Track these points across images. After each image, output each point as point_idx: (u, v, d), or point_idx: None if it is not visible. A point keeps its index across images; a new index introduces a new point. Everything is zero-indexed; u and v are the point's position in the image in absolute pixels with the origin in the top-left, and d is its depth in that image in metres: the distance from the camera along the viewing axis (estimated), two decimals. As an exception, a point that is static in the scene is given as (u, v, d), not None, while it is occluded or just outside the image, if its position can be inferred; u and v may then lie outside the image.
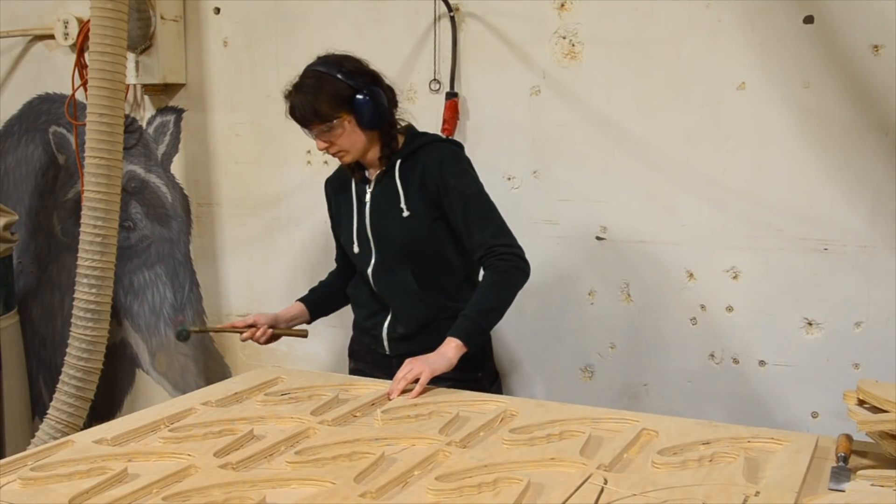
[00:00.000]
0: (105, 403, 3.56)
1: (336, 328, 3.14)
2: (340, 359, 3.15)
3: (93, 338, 2.98)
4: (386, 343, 2.29)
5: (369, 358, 2.37)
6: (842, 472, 1.55)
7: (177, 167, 3.45)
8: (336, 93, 2.13)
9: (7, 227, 3.41)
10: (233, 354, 3.42)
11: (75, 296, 2.98)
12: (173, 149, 3.44)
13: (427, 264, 2.23)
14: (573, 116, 2.72)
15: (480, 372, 2.26)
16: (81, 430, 2.90)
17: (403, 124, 2.29)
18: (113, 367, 3.52)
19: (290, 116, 2.17)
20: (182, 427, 1.79)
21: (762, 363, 2.57)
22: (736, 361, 2.60)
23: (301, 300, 2.49)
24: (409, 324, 2.25)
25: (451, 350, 2.05)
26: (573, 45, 2.70)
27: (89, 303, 2.96)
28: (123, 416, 1.93)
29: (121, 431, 1.77)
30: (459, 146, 2.34)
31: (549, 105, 2.75)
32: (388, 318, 2.29)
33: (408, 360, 2.05)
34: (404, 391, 2.00)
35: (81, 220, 2.96)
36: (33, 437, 3.09)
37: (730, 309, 2.60)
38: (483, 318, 2.11)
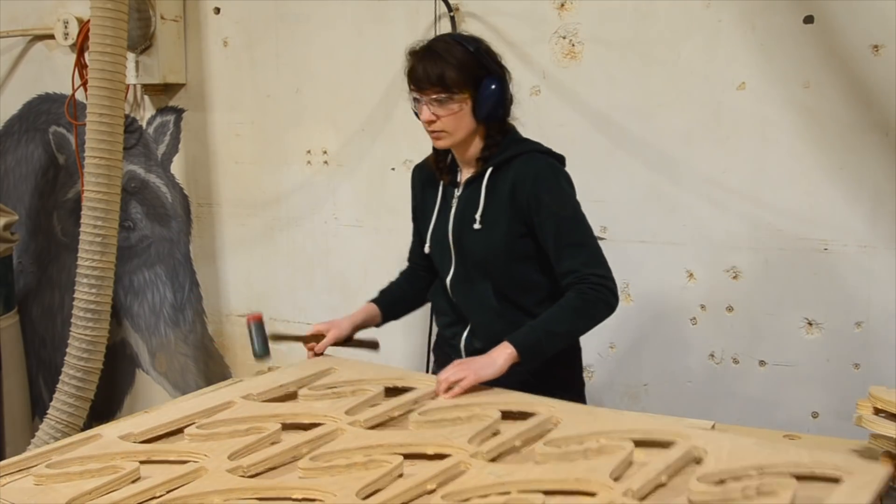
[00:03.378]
0: (105, 403, 3.56)
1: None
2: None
3: (93, 338, 2.98)
4: (464, 354, 2.15)
5: (447, 364, 2.20)
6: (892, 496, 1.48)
7: (177, 167, 3.45)
8: (468, 67, 1.99)
9: (7, 227, 3.41)
10: (233, 354, 3.42)
11: (75, 296, 2.98)
12: (173, 149, 3.44)
13: (508, 279, 2.08)
14: (573, 116, 2.72)
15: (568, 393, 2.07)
16: (81, 430, 2.91)
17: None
18: (113, 367, 3.52)
19: (407, 76, 2.02)
20: (211, 423, 1.74)
21: (762, 363, 2.57)
22: (736, 361, 2.60)
23: (375, 301, 2.31)
24: (487, 339, 2.06)
25: (502, 357, 1.91)
26: (573, 45, 2.70)
27: (89, 303, 2.96)
28: (160, 408, 1.89)
29: (151, 426, 1.74)
30: (561, 160, 2.14)
31: (549, 105, 2.75)
32: (467, 330, 2.16)
33: (456, 363, 1.94)
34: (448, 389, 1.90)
35: (81, 220, 2.96)
36: (33, 437, 3.09)
37: (730, 309, 2.60)
38: (550, 338, 1.95)
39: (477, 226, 2.06)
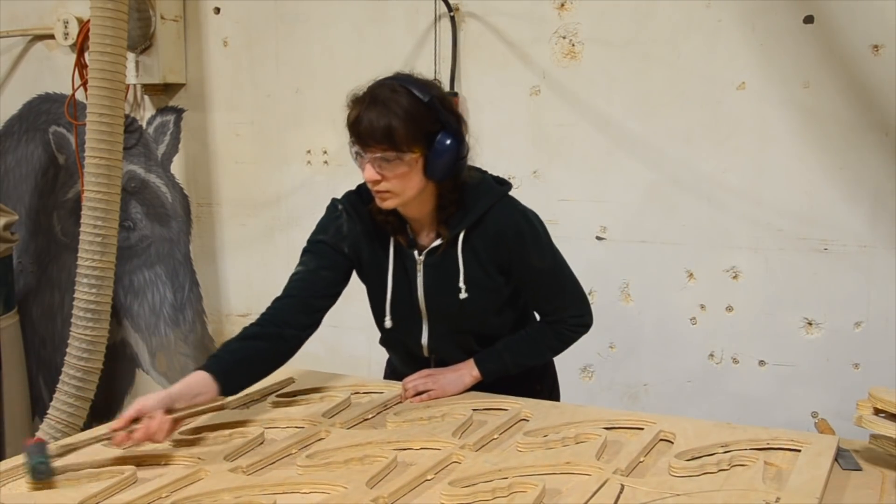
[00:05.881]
0: (105, 403, 3.56)
1: (336, 328, 3.13)
2: (340, 359, 3.15)
3: (93, 338, 2.98)
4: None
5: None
6: (847, 457, 1.59)
7: (177, 167, 3.45)
8: (420, 120, 1.73)
9: (7, 227, 3.41)
10: (233, 354, 3.42)
11: (75, 296, 2.98)
12: (173, 149, 3.44)
13: (488, 325, 1.98)
14: (573, 116, 2.72)
15: (540, 384, 2.10)
16: (82, 430, 2.91)
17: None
18: (113, 367, 3.52)
19: (348, 127, 1.77)
20: (192, 430, 1.75)
21: (762, 363, 2.57)
22: (736, 361, 2.60)
23: (206, 369, 1.74)
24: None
25: (469, 377, 1.92)
26: (573, 45, 2.70)
27: (89, 303, 2.96)
28: None
29: None
30: (510, 188, 1.94)
31: (549, 105, 2.75)
32: (432, 362, 2.03)
33: (423, 372, 1.93)
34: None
35: (81, 220, 2.96)
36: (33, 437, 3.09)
37: (730, 309, 2.60)
38: (516, 366, 1.96)
39: (463, 295, 1.87)
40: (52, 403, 3.02)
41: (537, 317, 2.04)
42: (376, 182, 1.75)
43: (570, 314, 1.96)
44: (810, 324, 2.51)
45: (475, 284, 1.88)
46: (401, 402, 1.93)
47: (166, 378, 3.59)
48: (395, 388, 2.03)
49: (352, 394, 1.99)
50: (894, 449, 1.56)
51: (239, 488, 1.47)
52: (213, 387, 1.71)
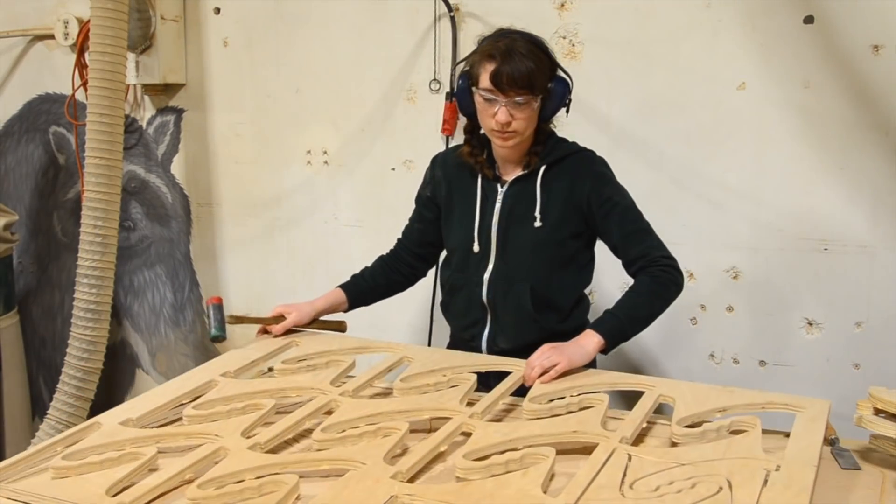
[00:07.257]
0: (105, 403, 3.53)
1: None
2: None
3: (93, 338, 2.98)
4: (486, 354, 2.17)
5: None
6: (847, 457, 1.61)
7: (177, 167, 3.45)
8: (546, 69, 2.02)
9: (7, 227, 3.41)
10: (233, 354, 3.42)
11: (75, 296, 2.98)
12: (173, 149, 3.44)
13: (547, 280, 2.11)
14: (573, 116, 2.71)
15: None
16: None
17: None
18: (113, 367, 3.52)
19: (489, 77, 1.97)
20: (206, 403, 1.79)
21: (762, 363, 2.57)
22: (736, 361, 2.60)
23: (344, 287, 2.31)
24: (515, 342, 2.13)
25: (591, 344, 1.94)
26: (573, 45, 2.70)
27: (89, 303, 2.96)
28: (144, 393, 1.91)
29: (145, 410, 1.76)
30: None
31: (549, 105, 2.74)
32: (487, 329, 2.16)
33: (546, 347, 1.92)
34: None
35: (81, 220, 2.96)
36: (33, 437, 3.09)
37: (730, 309, 2.60)
38: (631, 323, 2.00)
39: (538, 224, 2.07)
40: (52, 403, 3.02)
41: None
42: (507, 124, 2.00)
43: (658, 254, 2.06)
44: (810, 324, 2.51)
45: (549, 218, 2.08)
46: (526, 384, 1.87)
47: (166, 378, 3.58)
48: (396, 350, 2.09)
49: (356, 356, 2.06)
50: (894, 449, 1.56)
51: (261, 467, 1.50)
52: (345, 303, 2.29)
